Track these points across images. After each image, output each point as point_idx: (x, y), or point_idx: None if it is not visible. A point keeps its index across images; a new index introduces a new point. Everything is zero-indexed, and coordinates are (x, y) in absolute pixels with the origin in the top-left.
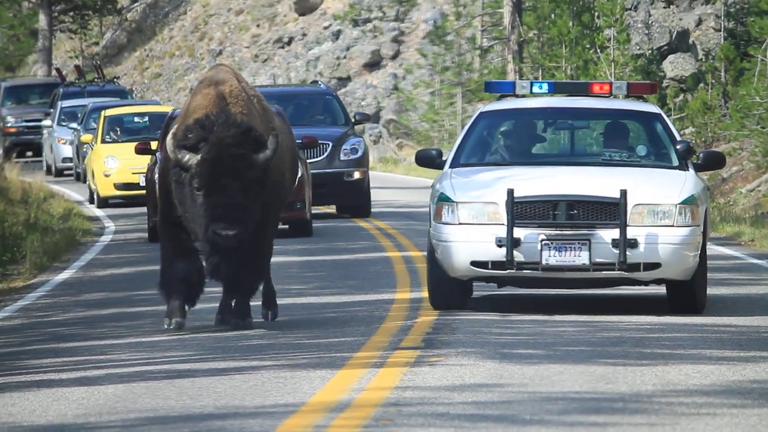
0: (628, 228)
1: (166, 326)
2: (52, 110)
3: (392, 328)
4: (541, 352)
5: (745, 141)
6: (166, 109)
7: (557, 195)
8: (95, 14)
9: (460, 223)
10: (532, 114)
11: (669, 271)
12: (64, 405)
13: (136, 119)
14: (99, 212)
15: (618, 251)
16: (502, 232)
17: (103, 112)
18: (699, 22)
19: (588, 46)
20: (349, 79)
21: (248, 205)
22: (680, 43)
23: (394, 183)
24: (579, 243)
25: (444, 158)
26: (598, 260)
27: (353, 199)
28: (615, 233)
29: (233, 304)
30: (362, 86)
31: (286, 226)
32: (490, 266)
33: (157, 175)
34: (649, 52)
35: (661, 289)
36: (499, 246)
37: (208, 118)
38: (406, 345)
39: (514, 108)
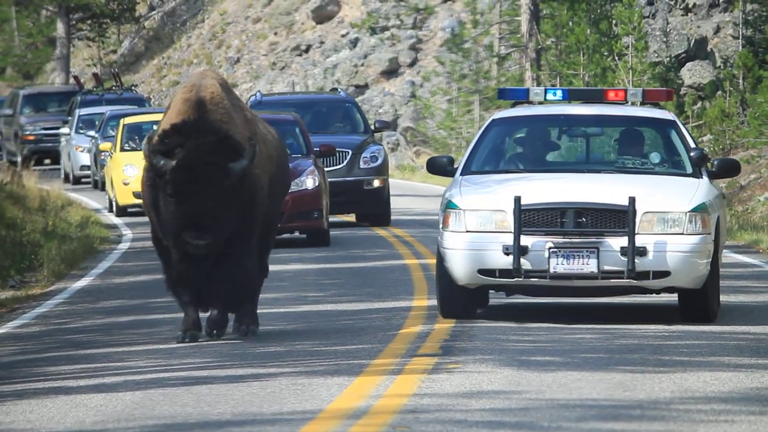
0: (637, 236)
1: (178, 341)
2: (70, 118)
3: (410, 335)
4: (559, 359)
5: (764, 148)
6: None
7: (565, 202)
8: (113, 22)
9: (467, 231)
10: (544, 121)
11: (679, 280)
12: (82, 412)
13: (154, 127)
14: (117, 220)
15: (627, 259)
16: (510, 239)
17: (122, 121)
18: (717, 30)
19: (606, 53)
20: (366, 86)
21: (221, 215)
22: (698, 50)
23: (412, 191)
24: (587, 251)
25: (455, 166)
26: (606, 268)
27: (373, 207)
28: (624, 241)
29: (215, 315)
30: (380, 94)
31: (304, 236)
32: (497, 274)
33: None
34: (667, 59)
35: (675, 298)
36: (507, 254)
37: (185, 124)
38: (424, 352)
39: (527, 115)
